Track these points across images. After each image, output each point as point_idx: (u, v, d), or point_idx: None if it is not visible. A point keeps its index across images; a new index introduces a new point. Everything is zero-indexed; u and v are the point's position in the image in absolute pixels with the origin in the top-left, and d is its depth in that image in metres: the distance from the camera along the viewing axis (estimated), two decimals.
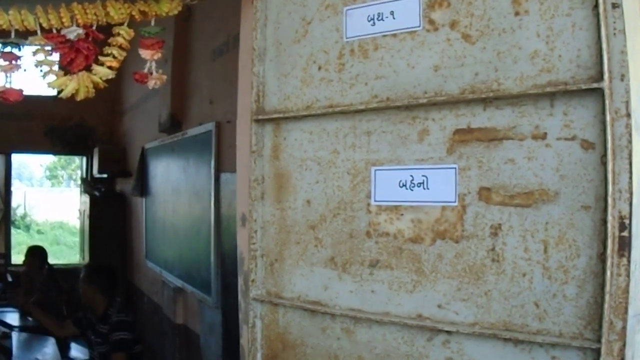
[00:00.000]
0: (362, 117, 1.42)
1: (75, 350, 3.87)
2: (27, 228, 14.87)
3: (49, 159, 19.05)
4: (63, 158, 19.42)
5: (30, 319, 4.89)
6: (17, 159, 7.68)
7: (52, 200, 17.19)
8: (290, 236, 1.55)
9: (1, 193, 7.31)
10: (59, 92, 1.93)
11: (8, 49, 1.91)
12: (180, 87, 4.52)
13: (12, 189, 7.66)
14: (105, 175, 6.84)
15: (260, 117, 1.60)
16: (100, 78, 1.93)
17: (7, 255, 7.36)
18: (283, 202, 1.57)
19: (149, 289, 5.75)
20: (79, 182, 8.33)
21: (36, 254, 5.15)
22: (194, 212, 4.21)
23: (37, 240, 10.46)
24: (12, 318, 4.97)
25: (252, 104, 1.63)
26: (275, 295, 1.59)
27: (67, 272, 5.76)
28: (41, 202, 16.53)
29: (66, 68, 1.93)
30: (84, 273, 3.49)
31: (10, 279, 6.18)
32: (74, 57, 1.91)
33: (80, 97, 1.95)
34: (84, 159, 7.70)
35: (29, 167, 18.92)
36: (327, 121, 1.48)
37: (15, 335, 4.47)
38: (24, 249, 8.98)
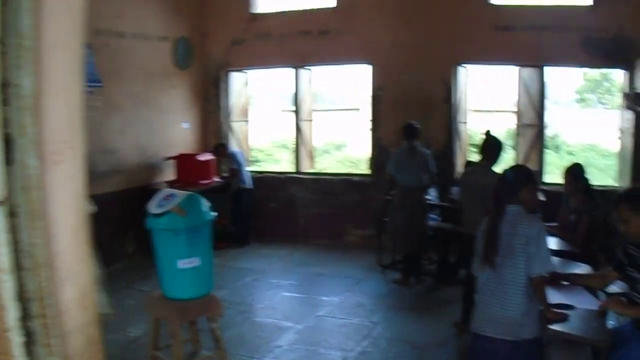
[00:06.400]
0: None
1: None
2: (557, 149, 15.16)
3: (577, 81, 18.76)
4: (592, 81, 18.73)
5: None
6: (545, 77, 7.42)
7: (582, 122, 17.03)
8: None
9: (535, 108, 7.43)
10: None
11: None
12: None
13: (546, 104, 7.52)
14: None
15: None
16: None
17: (540, 173, 7.31)
18: None
19: None
20: (619, 98, 7.69)
21: (571, 171, 4.87)
22: None
23: (566, 162, 10.34)
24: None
25: None
26: None
27: (603, 194, 5.47)
28: (570, 124, 16.58)
29: None
30: (625, 196, 3.01)
31: (542, 198, 6.26)
32: None
33: None
34: (625, 73, 6.96)
35: (556, 88, 19.12)
36: None
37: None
38: (554, 170, 8.90)
